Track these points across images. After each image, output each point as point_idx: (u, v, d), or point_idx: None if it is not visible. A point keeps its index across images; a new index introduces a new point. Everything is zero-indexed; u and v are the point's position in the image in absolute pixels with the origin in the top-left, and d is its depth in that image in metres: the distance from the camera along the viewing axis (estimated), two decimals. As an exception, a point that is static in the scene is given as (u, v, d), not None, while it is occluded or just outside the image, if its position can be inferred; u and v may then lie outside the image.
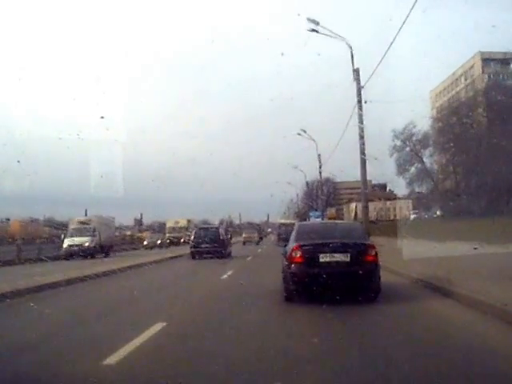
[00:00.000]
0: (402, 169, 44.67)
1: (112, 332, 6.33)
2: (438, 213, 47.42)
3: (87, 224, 29.46)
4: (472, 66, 52.92)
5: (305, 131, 33.92)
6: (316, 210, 47.31)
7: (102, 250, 29.17)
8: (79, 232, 28.26)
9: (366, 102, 15.63)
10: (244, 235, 46.94)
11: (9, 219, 61.66)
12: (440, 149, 42.09)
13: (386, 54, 14.93)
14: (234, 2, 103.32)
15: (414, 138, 44.27)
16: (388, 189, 70.76)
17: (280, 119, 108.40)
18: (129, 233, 62.98)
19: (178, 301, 9.12)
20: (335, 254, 7.78)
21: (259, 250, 30.44)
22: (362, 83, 15.64)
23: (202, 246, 23.28)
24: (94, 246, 27.98)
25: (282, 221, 49.48)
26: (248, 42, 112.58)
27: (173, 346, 5.48)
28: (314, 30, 15.41)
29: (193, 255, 23.43)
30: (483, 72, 49.08)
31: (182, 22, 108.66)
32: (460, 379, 4.10)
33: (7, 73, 60.02)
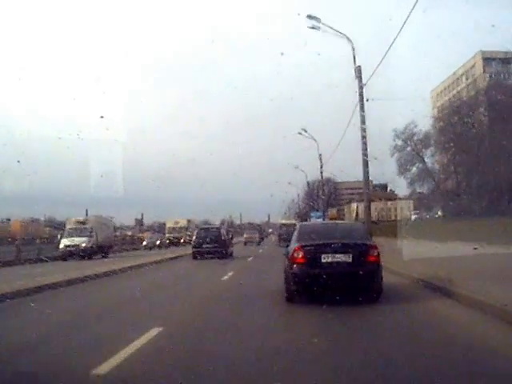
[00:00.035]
0: (403, 169, 44.60)
1: (105, 337, 6.03)
2: (439, 213, 47.33)
3: (84, 224, 28.80)
4: (473, 66, 52.84)
5: (305, 130, 33.84)
6: (317, 211, 47.26)
7: (100, 250, 28.66)
8: (76, 232, 27.74)
9: (367, 100, 15.59)
10: (245, 236, 46.91)
11: (9, 219, 61.84)
12: (441, 148, 42.00)
13: (386, 53, 14.89)
14: (234, 1, 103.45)
15: (416, 138, 44.22)
16: (389, 189, 70.65)
17: (280, 119, 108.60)
18: (129, 233, 62.93)
19: (176, 303, 8.94)
20: (337, 255, 7.75)
21: (260, 251, 30.41)
22: (363, 81, 15.54)
23: (204, 246, 23.24)
24: (92, 247, 27.43)
25: (283, 221, 49.36)
26: (248, 42, 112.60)
27: (169, 352, 5.17)
28: (314, 27, 15.32)
29: (194, 255, 23.39)
30: (484, 71, 48.96)
31: (181, 22, 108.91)
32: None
33: (7, 73, 60.15)
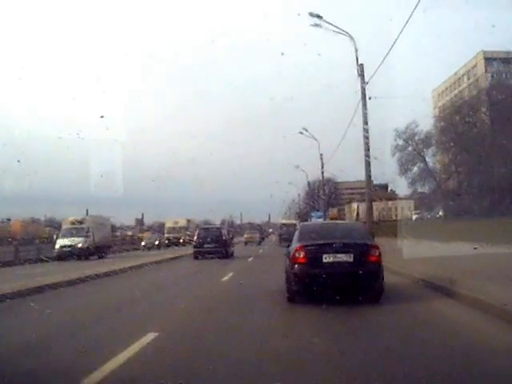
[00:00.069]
0: (404, 168, 44.51)
1: (97, 343, 5.74)
2: (440, 213, 47.24)
3: (81, 224, 28.20)
4: (475, 66, 52.74)
5: (306, 130, 33.76)
6: (317, 210, 47.18)
7: (97, 250, 27.98)
8: (72, 232, 27.15)
9: (370, 98, 15.49)
10: (246, 235, 46.88)
11: (10, 219, 61.81)
12: (443, 148, 41.90)
13: (388, 53, 14.84)
14: (234, 1, 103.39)
15: (417, 138, 44.13)
16: (390, 189, 70.56)
17: (280, 119, 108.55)
18: (130, 233, 62.86)
19: (173, 306, 8.70)
20: (338, 255, 7.73)
21: (260, 251, 30.35)
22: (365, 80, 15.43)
23: (205, 246, 23.24)
24: (88, 247, 26.91)
25: (284, 221, 49.33)
26: (248, 42, 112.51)
27: (163, 360, 4.95)
28: (316, 25, 15.21)
29: (195, 255, 23.33)
30: (486, 71, 48.84)
31: (181, 22, 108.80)
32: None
33: (7, 73, 60.14)
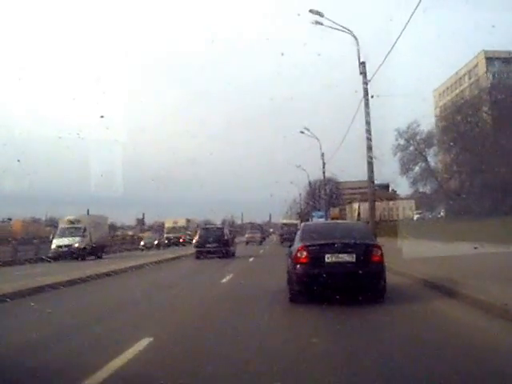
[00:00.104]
0: (405, 168, 44.39)
1: (87, 350, 5.46)
2: (441, 213, 47.13)
3: (77, 223, 27.71)
4: (476, 65, 52.62)
5: (308, 129, 33.62)
6: (319, 210, 47.07)
7: (94, 251, 27.51)
8: (68, 232, 26.69)
9: (372, 97, 15.33)
10: (247, 235, 46.85)
11: (10, 219, 61.75)
12: (444, 148, 41.75)
13: (389, 52, 14.73)
14: (234, 1, 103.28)
15: (418, 137, 43.99)
16: (391, 189, 70.43)
17: (280, 119, 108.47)
18: (131, 233, 62.81)
19: (170, 308, 8.43)
20: (341, 255, 7.70)
21: (261, 251, 30.26)
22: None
23: (207, 245, 23.24)
24: (85, 247, 26.44)
25: (285, 221, 49.32)
26: (248, 42, 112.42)
27: (157, 367, 4.70)
28: (317, 23, 15.07)
29: (197, 255, 23.32)
30: (487, 71, 48.71)
31: (181, 22, 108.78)
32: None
33: (7, 73, 60.09)
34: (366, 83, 15.11)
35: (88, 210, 33.93)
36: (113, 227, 58.45)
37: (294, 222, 46.51)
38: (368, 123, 15.24)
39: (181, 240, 44.44)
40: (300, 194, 60.41)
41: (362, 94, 16.52)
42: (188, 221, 50.57)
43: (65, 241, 26.07)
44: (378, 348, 5.09)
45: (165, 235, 47.20)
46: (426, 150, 44.40)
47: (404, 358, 4.63)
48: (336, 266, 7.66)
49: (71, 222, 27.91)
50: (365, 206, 46.30)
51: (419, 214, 52.12)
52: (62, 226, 28.13)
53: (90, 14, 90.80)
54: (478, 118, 39.22)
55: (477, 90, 43.95)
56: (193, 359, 4.84)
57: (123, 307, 8.79)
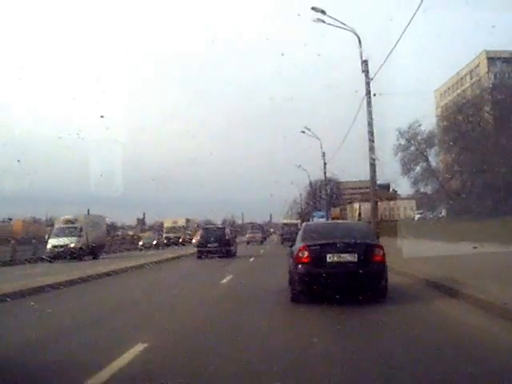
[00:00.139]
0: (406, 168, 44.25)
1: (77, 357, 5.12)
2: (443, 213, 47.01)
3: (73, 223, 27.08)
4: (477, 65, 52.47)
5: (309, 129, 33.51)
6: (319, 210, 46.98)
7: (91, 251, 26.89)
8: (64, 232, 26.13)
9: (375, 95, 15.22)
10: (248, 235, 46.88)
11: (11, 219, 61.71)
12: (446, 148, 41.58)
13: (391, 52, 14.62)
14: (234, 2, 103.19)
15: (419, 137, 43.84)
16: (392, 189, 70.36)
17: (280, 119, 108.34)
18: (131, 233, 62.73)
19: (167, 312, 7.94)
20: (342, 254, 7.69)
21: (262, 251, 30.21)
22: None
23: (208, 245, 23.32)
24: (81, 247, 25.89)
25: (285, 221, 49.31)
26: (248, 42, 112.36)
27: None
28: (319, 20, 14.93)
29: (199, 254, 23.38)
30: (489, 71, 48.56)
31: (182, 22, 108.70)
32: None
33: (7, 73, 60.08)
34: (368, 82, 14.92)
35: (88, 210, 33.75)
36: (113, 227, 58.46)
37: (295, 222, 46.49)
38: (370, 124, 15.06)
39: (180, 240, 44.25)
40: (301, 194, 60.39)
41: (362, 94, 16.49)
42: (188, 221, 50.43)
43: (61, 241, 25.54)
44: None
45: (164, 235, 46.97)
46: (427, 149, 44.26)
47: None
48: (338, 265, 7.64)
49: (67, 222, 27.38)
50: (365, 206, 46.27)
51: (420, 214, 52.01)
52: (57, 225, 27.61)
53: (90, 14, 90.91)
54: (480, 118, 39.08)
55: (478, 89, 43.75)
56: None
57: (115, 312, 8.23)
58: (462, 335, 5.59)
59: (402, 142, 44.05)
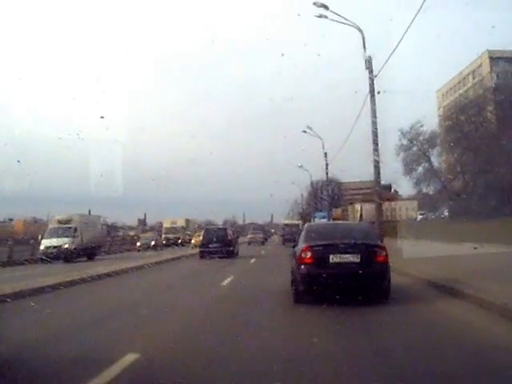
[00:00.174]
0: (408, 168, 44.14)
1: (61, 370, 4.58)
2: (445, 213, 46.86)
3: (68, 223, 26.16)
4: (480, 65, 52.27)
5: (311, 128, 33.27)
6: (321, 211, 46.79)
7: (85, 252, 26.23)
8: (58, 232, 25.28)
9: (379, 93, 14.98)
10: (249, 236, 46.84)
11: (12, 219, 61.79)
12: (448, 148, 41.43)
13: (394, 51, 14.47)
14: (234, 1, 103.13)
15: (421, 138, 43.73)
16: (393, 189, 70.17)
17: (281, 119, 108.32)
18: (132, 233, 62.56)
19: (162, 318, 7.44)
20: (345, 255, 7.72)
21: (263, 252, 30.06)
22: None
23: (211, 245, 23.45)
24: (75, 248, 25.08)
25: (286, 222, 49.20)
26: (248, 42, 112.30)
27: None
28: (322, 16, 14.72)
29: (201, 255, 23.51)
30: (491, 71, 48.39)
31: (182, 22, 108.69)
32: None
33: (7, 73, 60.06)
34: (372, 79, 14.63)
35: (90, 211, 33.54)
36: (114, 227, 58.36)
37: (296, 222, 46.35)
38: (374, 123, 14.75)
39: (179, 241, 43.84)
40: (302, 195, 60.20)
41: (362, 94, 16.33)
42: (187, 221, 50.07)
43: (54, 241, 24.67)
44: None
45: (163, 235, 46.59)
46: (430, 150, 44.17)
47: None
48: (340, 266, 7.61)
49: (61, 222, 26.49)
50: (366, 206, 46.11)
51: (422, 214, 51.83)
52: (51, 225, 26.72)
53: (90, 14, 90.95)
54: (483, 118, 38.94)
55: (481, 89, 43.63)
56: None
57: (106, 317, 7.55)
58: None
59: (404, 142, 44.01)
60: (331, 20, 14.93)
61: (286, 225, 43.98)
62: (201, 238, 24.75)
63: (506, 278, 8.51)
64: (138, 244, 41.12)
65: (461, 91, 54.45)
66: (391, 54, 14.42)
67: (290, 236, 33.09)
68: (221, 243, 23.29)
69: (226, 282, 12.05)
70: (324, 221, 33.92)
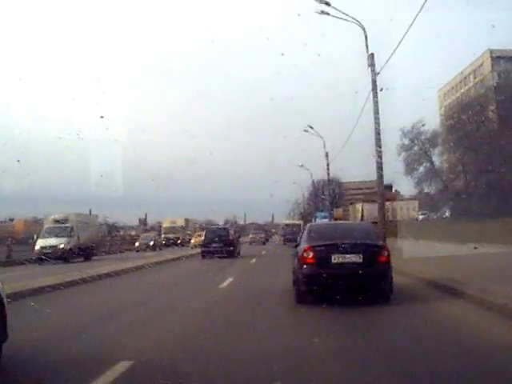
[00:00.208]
0: (410, 168, 44.04)
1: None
2: (447, 213, 46.79)
3: (63, 223, 25.70)
4: (481, 65, 52.13)
5: (312, 127, 33.20)
6: (322, 211, 46.69)
7: (82, 252, 25.44)
8: (54, 232, 24.79)
9: (382, 90, 14.82)
10: (251, 236, 46.93)
11: (12, 219, 61.79)
12: (449, 147, 41.34)
13: (396, 48, 14.38)
14: (234, 1, 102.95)
15: (423, 137, 43.62)
16: (394, 189, 70.07)
17: (281, 119, 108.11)
18: (133, 233, 62.51)
19: (158, 323, 7.01)
20: (347, 255, 7.68)
21: (264, 252, 30.04)
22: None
23: (212, 245, 23.52)
24: (71, 248, 24.49)
25: (287, 222, 49.19)
26: (248, 42, 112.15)
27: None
28: (324, 13, 14.61)
29: (203, 254, 23.58)
30: (493, 70, 48.25)
31: (182, 22, 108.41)
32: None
33: (7, 73, 60.02)
34: (374, 76, 14.47)
35: (90, 210, 33.50)
36: (114, 227, 58.32)
37: (297, 222, 46.32)
38: (377, 122, 14.56)
39: (179, 241, 43.62)
40: (303, 195, 60.08)
41: (363, 94, 16.22)
42: (187, 221, 49.83)
43: (49, 241, 24.17)
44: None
45: (163, 235, 46.34)
46: (431, 149, 44.07)
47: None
48: (342, 266, 7.59)
49: (57, 222, 26.02)
50: (367, 206, 45.97)
51: (423, 214, 51.72)
52: (47, 225, 26.23)
53: (90, 14, 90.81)
54: (484, 118, 38.81)
55: (482, 89, 43.53)
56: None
57: (98, 322, 7.25)
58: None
59: (406, 141, 43.93)
60: (333, 16, 14.81)
61: (287, 225, 43.99)
62: (202, 237, 24.85)
63: (506, 277, 8.54)
64: (137, 244, 40.32)
65: (462, 90, 54.35)
66: (392, 52, 14.33)
67: (290, 236, 33.08)
68: (222, 243, 23.37)
69: (226, 283, 11.96)
70: (326, 221, 33.84)
